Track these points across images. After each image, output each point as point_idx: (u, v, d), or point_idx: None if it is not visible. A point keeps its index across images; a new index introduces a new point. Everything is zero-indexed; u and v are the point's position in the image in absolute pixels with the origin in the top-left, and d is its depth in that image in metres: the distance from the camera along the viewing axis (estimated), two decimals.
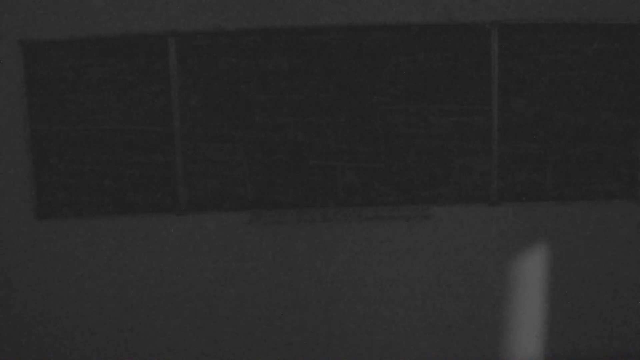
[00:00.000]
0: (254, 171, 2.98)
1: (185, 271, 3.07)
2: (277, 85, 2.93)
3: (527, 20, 2.89)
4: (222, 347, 3.11)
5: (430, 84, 2.92)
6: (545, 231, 3.04)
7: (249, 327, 3.10)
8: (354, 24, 2.89)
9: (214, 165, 2.98)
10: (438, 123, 2.95)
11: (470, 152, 2.97)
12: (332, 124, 2.95)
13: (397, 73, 2.92)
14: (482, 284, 3.07)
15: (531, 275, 3.07)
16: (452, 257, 3.05)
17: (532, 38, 2.90)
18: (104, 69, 2.93)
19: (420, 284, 3.07)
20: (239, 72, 2.93)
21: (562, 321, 3.09)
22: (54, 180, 2.99)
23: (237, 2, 2.93)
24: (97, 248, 3.06)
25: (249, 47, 2.92)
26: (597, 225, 3.04)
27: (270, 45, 2.91)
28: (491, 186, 2.98)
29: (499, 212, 3.03)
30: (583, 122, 2.95)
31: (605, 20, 2.89)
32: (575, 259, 3.06)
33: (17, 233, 3.05)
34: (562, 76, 2.92)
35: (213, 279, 3.07)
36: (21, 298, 3.10)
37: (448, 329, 3.10)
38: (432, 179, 2.98)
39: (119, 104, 2.95)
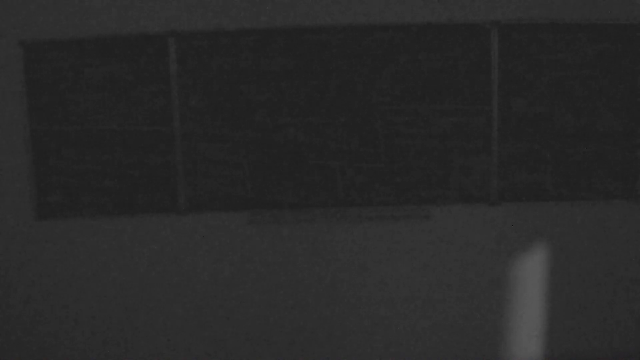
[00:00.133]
0: (254, 171, 2.98)
1: (185, 271, 3.07)
2: (277, 85, 2.93)
3: (527, 20, 2.89)
4: (222, 347, 3.11)
5: (430, 84, 2.92)
6: (545, 231, 3.04)
7: (249, 327, 3.10)
8: (354, 24, 2.89)
9: (214, 165, 2.98)
10: (438, 123, 2.95)
11: (470, 152, 2.97)
12: (332, 124, 2.95)
13: (397, 73, 2.92)
14: (482, 283, 3.07)
15: (531, 275, 3.07)
16: (452, 257, 3.05)
17: (532, 38, 2.90)
18: (104, 69, 2.93)
19: (420, 284, 3.07)
20: (239, 72, 2.93)
21: (562, 321, 3.09)
22: (54, 180, 2.99)
23: (237, 2, 2.93)
24: (97, 248, 3.06)
25: (249, 47, 2.92)
26: (597, 225, 3.04)
27: (270, 45, 2.91)
28: (491, 186, 2.98)
29: (499, 212, 3.03)
30: (583, 122, 2.95)
31: (605, 20, 2.89)
32: (575, 259, 3.06)
33: (16, 233, 3.05)
34: (562, 76, 2.92)
35: (213, 278, 3.07)
36: (21, 298, 3.10)
37: (448, 329, 3.10)
38: (432, 179, 2.98)
39: (119, 104, 2.95)
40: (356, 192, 2.99)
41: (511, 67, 2.91)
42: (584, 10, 2.92)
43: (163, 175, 2.99)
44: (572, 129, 2.96)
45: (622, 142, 2.97)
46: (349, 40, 2.91)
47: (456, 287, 3.07)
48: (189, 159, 2.98)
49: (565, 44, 2.91)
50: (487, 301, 3.08)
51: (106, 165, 2.98)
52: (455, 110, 2.94)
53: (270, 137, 2.96)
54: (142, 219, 3.04)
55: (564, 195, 2.99)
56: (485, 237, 3.04)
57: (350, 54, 2.91)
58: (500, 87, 2.92)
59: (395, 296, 3.07)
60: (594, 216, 3.03)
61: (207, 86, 2.94)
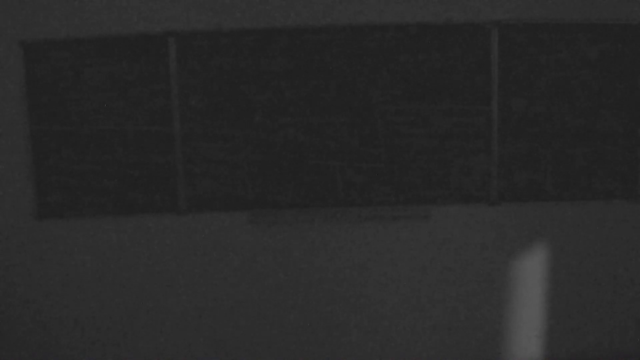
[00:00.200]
0: (254, 171, 2.98)
1: (185, 271, 3.07)
2: (277, 85, 2.93)
3: (527, 20, 2.89)
4: (222, 347, 3.11)
5: (430, 84, 2.92)
6: (545, 231, 3.04)
7: (249, 327, 3.10)
8: (354, 24, 2.89)
9: (214, 165, 2.98)
10: (438, 123, 2.95)
11: (470, 152, 2.97)
12: (332, 124, 2.95)
13: (397, 73, 2.92)
14: (482, 283, 3.07)
15: (531, 275, 3.07)
16: (452, 257, 3.05)
17: (532, 38, 2.90)
18: (104, 69, 2.93)
19: (420, 284, 3.07)
20: (239, 72, 2.93)
21: (562, 321, 3.09)
22: (54, 180, 2.99)
23: (237, 1, 2.93)
24: (97, 248, 3.06)
25: (249, 47, 2.92)
26: (597, 225, 3.04)
27: (270, 45, 2.91)
28: (491, 186, 2.98)
29: (498, 212, 3.03)
30: (583, 122, 2.95)
31: (605, 20, 2.89)
32: (575, 258, 3.06)
33: (17, 233, 3.05)
34: (562, 76, 2.92)
35: (213, 278, 3.07)
36: (21, 298, 3.10)
37: (448, 329, 3.10)
38: (432, 179, 2.98)
39: (119, 104, 2.95)
40: (356, 192, 2.99)
41: (511, 67, 2.91)
42: (584, 10, 2.92)
43: (163, 175, 2.99)
44: (572, 129, 2.96)
45: (622, 142, 2.97)
46: (349, 40, 2.91)
47: (456, 287, 3.07)
48: (189, 159, 2.98)
49: (565, 44, 2.91)
50: (487, 301, 3.08)
51: (106, 165, 2.99)
52: (455, 110, 2.94)
53: (270, 137, 2.97)
54: (142, 219, 3.04)
55: (563, 195, 2.99)
56: (485, 237, 3.04)
57: (350, 54, 2.91)
58: (500, 87, 2.92)
59: (395, 296, 3.07)
60: (594, 216, 3.03)
61: (207, 86, 2.94)
